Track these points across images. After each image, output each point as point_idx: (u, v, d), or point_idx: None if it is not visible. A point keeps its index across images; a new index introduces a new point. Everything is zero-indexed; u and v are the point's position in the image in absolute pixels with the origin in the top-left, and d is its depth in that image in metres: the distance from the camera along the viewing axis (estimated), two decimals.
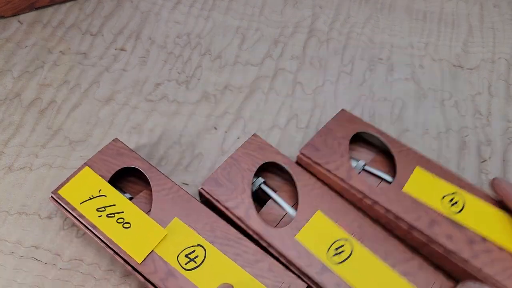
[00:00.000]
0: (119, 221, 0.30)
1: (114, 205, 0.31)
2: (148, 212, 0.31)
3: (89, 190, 0.32)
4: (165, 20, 0.48)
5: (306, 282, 0.29)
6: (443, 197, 0.31)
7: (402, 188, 0.32)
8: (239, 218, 0.31)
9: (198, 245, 0.30)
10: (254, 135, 0.35)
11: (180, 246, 0.30)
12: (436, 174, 0.32)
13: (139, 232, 0.30)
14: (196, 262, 0.29)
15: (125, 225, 0.30)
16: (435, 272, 0.29)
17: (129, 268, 0.29)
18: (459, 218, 0.30)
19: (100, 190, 0.32)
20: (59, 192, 0.32)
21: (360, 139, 0.37)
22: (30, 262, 0.33)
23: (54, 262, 0.33)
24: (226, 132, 0.40)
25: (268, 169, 0.35)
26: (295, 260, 0.29)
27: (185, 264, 0.29)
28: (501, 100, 0.44)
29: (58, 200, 0.31)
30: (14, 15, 0.47)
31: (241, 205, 0.31)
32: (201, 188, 0.32)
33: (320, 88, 0.44)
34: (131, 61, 0.44)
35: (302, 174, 0.33)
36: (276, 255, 0.30)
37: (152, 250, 0.29)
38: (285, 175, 0.34)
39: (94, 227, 0.30)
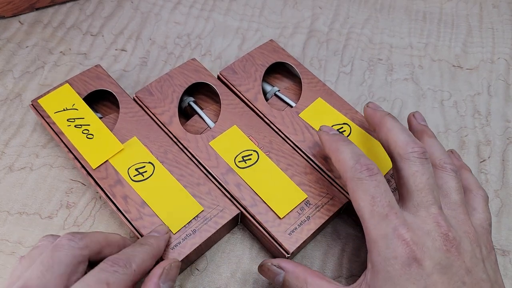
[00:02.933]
0: (84, 132, 0.35)
1: (83, 118, 0.35)
2: (112, 129, 0.35)
3: (65, 103, 0.36)
4: (165, 21, 0.48)
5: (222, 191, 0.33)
6: (333, 125, 0.36)
7: (299, 113, 0.37)
8: (163, 123, 0.36)
9: (149, 162, 0.34)
10: (193, 59, 0.39)
11: (133, 160, 0.34)
12: (334, 107, 0.37)
13: (99, 143, 0.34)
14: (143, 176, 0.33)
15: (89, 136, 0.35)
16: (330, 186, 0.33)
17: (84, 172, 0.33)
18: None
19: (74, 104, 0.36)
20: (39, 101, 0.36)
21: (285, 69, 0.42)
22: None
23: None
24: None
25: (203, 92, 0.40)
26: (204, 161, 0.34)
27: (134, 176, 0.33)
28: (500, 100, 0.44)
29: (36, 108, 0.36)
30: (14, 15, 0.47)
31: (166, 113, 0.36)
32: (135, 95, 0.37)
33: None
34: (132, 61, 0.45)
35: (229, 94, 0.38)
36: (189, 155, 0.34)
37: (107, 160, 0.34)
38: (217, 98, 0.38)
39: (62, 134, 0.35)
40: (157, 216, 0.31)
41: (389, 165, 0.34)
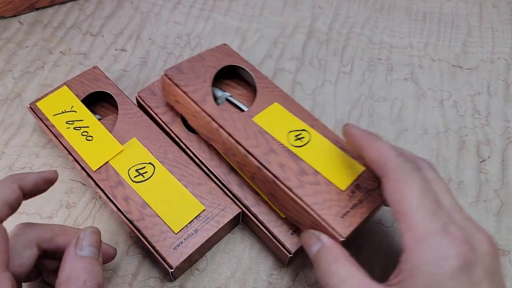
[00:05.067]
0: (83, 134, 0.35)
1: (82, 120, 0.35)
2: (111, 131, 0.35)
3: (63, 105, 0.36)
4: (165, 21, 0.48)
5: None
6: (290, 131, 0.33)
7: (253, 117, 0.33)
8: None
9: (149, 163, 0.34)
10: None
11: (133, 161, 0.34)
12: (293, 112, 0.34)
13: (98, 145, 0.34)
14: (144, 177, 0.33)
15: (88, 138, 0.35)
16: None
17: (84, 174, 0.33)
18: (299, 151, 0.31)
19: (72, 106, 0.36)
20: (37, 104, 0.36)
21: (239, 77, 0.40)
22: None
23: None
24: None
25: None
26: (207, 161, 0.34)
27: (134, 177, 0.33)
28: (500, 100, 0.44)
29: (35, 111, 0.36)
30: (14, 15, 0.47)
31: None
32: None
33: (319, 88, 0.44)
34: (132, 61, 0.45)
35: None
36: (190, 155, 0.34)
37: (107, 162, 0.34)
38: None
39: (61, 136, 0.35)
40: (158, 217, 0.31)
41: (353, 174, 0.30)
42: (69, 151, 0.34)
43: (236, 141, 0.32)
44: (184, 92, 0.34)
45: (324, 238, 0.27)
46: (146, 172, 0.33)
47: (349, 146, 0.31)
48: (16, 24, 0.46)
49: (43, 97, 0.37)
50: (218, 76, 0.37)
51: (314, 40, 0.47)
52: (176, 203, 0.32)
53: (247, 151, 0.31)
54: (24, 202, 0.35)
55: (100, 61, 0.44)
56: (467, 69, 0.46)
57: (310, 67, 0.45)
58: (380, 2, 0.51)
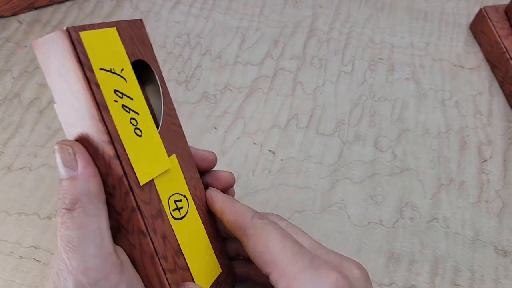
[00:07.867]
0: (132, 122, 0.21)
1: (132, 99, 0.21)
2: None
3: (112, 60, 0.21)
4: (165, 20, 0.48)
5: None
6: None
7: None
8: None
9: (185, 196, 0.24)
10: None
11: (173, 188, 0.23)
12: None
13: (147, 149, 0.21)
14: (180, 213, 0.23)
15: (137, 131, 0.21)
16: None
17: (125, 184, 0.20)
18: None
19: (122, 69, 0.21)
20: (81, 34, 0.20)
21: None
22: (30, 262, 0.33)
23: None
24: (226, 132, 0.40)
25: None
26: None
27: (173, 210, 0.23)
28: (501, 100, 0.44)
29: (75, 45, 0.20)
30: (13, 14, 0.47)
31: None
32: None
33: (320, 88, 0.43)
34: None
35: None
36: None
37: (152, 179, 0.22)
38: None
39: (106, 110, 0.20)
40: (189, 271, 0.23)
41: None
42: (112, 138, 0.20)
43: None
44: None
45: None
46: (182, 207, 0.24)
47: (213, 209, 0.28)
48: (15, 23, 0.46)
49: (88, 27, 0.21)
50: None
51: (315, 39, 0.47)
52: (202, 259, 0.25)
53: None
54: (23, 203, 0.35)
55: None
56: (469, 68, 0.46)
57: (311, 66, 0.45)
58: (381, 1, 0.51)
